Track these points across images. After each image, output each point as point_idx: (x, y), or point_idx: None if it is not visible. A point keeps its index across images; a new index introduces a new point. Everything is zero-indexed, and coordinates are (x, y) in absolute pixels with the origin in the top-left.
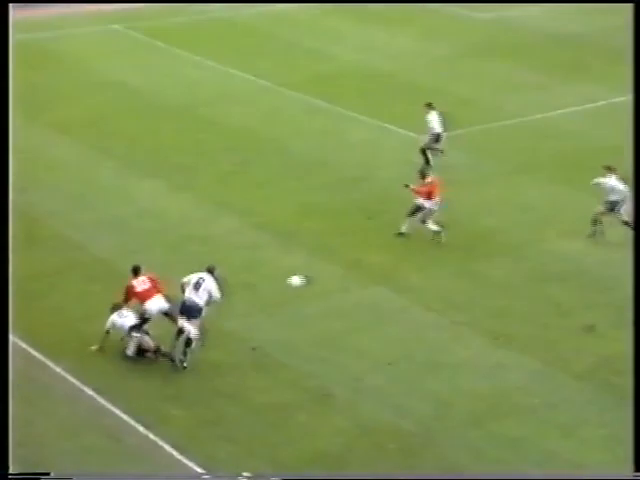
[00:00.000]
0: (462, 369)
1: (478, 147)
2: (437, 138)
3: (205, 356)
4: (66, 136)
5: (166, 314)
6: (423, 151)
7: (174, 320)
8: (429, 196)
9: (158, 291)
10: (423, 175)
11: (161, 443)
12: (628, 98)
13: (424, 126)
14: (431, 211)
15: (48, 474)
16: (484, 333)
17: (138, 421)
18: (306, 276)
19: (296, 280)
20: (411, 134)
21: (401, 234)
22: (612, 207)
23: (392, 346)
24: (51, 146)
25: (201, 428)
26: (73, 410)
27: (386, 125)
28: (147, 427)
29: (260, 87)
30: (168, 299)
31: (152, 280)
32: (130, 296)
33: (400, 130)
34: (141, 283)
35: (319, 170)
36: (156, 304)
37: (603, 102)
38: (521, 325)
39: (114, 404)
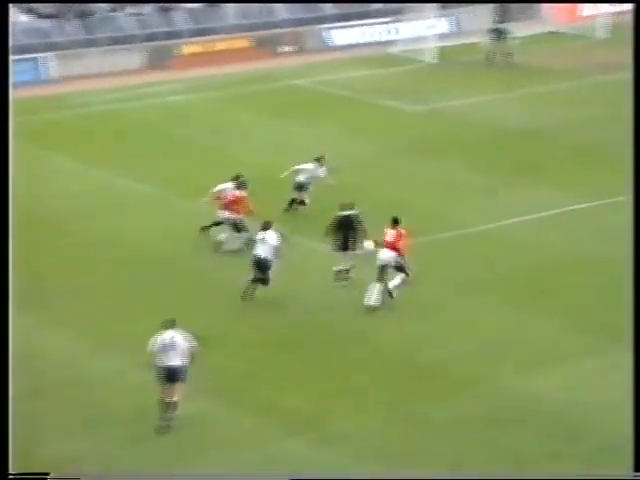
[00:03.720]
0: None
1: (415, 263)
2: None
3: None
4: None
5: None
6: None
7: None
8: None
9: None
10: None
11: None
12: (590, 205)
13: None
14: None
15: (48, 474)
16: None
17: None
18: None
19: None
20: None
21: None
22: None
23: None
24: None
25: None
26: None
27: (308, 242)
28: None
29: (149, 197)
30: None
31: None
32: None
33: (321, 247)
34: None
35: (208, 294)
36: None
37: (559, 210)
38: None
39: None
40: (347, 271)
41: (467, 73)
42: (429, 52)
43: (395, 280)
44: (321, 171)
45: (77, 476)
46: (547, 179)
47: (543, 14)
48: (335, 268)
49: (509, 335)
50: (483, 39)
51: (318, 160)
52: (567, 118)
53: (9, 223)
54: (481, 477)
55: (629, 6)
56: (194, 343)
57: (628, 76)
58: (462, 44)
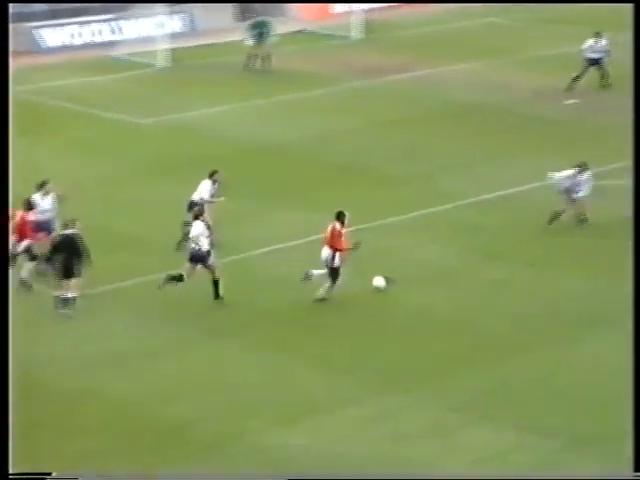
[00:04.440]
0: None
1: (154, 305)
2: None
3: None
4: None
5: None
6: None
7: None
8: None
9: None
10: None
11: None
12: (354, 229)
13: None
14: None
15: (49, 474)
16: None
17: None
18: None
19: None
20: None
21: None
22: None
23: None
24: None
25: None
26: None
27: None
28: None
29: None
30: None
31: None
32: None
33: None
34: None
35: None
36: None
37: (318, 236)
38: None
39: None
40: (73, 300)
41: (205, 79)
42: (160, 55)
43: (321, 289)
44: (214, 189)
45: (77, 476)
46: (303, 201)
47: (290, 11)
48: (55, 293)
49: (265, 384)
50: (243, 37)
51: (212, 175)
52: (322, 130)
53: None
54: (477, 477)
55: (382, 5)
56: None
57: (387, 80)
58: (198, 45)
